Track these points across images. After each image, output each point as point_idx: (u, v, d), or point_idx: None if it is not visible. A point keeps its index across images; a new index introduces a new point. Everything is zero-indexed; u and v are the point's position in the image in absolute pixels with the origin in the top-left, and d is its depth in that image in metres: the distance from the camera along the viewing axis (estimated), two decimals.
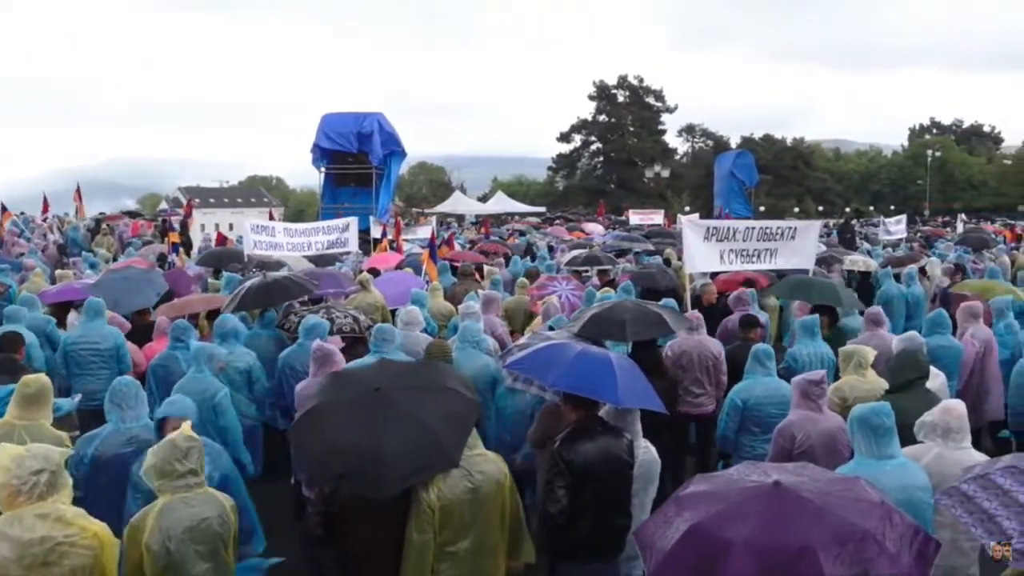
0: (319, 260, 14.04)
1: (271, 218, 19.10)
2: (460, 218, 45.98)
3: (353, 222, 14.83)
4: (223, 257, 14.42)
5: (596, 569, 4.37)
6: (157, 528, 3.60)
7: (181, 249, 17.17)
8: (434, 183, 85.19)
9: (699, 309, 9.08)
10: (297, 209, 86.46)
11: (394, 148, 25.22)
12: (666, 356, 7.33)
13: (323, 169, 25.41)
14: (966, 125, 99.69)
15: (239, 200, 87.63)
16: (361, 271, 12.13)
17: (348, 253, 15.10)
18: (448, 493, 3.92)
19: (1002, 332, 8.11)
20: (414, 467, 3.88)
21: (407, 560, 3.91)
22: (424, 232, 21.09)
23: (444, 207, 48.13)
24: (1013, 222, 43.73)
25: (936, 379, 6.34)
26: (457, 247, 18.82)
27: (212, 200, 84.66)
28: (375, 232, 19.21)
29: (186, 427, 3.93)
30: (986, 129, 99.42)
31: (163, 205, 68.88)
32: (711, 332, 8.02)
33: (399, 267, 13.50)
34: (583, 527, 4.24)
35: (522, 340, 6.39)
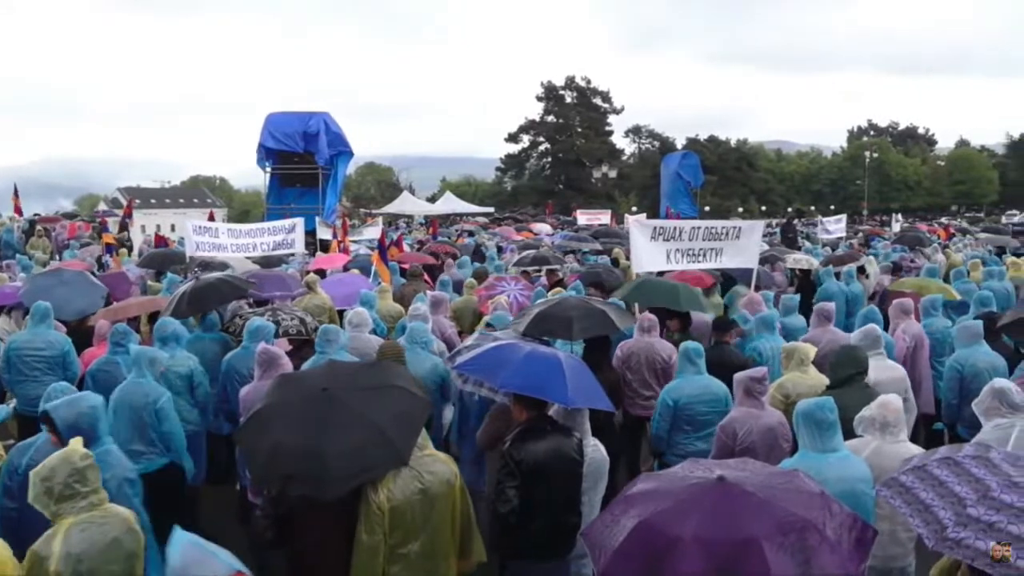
0: (265, 262, 13.83)
1: (211, 219, 18.74)
2: (408, 219, 45.73)
3: (299, 223, 14.64)
4: (165, 259, 14.12)
5: (547, 567, 4.38)
6: (65, 555, 3.36)
7: (116, 251, 16.74)
8: (382, 183, 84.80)
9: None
10: (242, 210, 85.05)
11: (341, 148, 24.96)
12: (615, 356, 7.37)
13: (268, 169, 25.04)
14: (902, 127, 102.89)
15: (181, 201, 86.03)
16: (307, 272, 11.99)
17: (294, 255, 14.90)
18: (398, 494, 3.90)
19: (932, 328, 8.36)
20: (360, 467, 3.84)
21: (357, 562, 3.87)
22: (371, 233, 20.92)
23: (392, 207, 47.84)
24: (948, 221, 45.25)
25: (896, 371, 6.51)
26: (406, 248, 18.72)
27: (153, 201, 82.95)
28: (323, 234, 19.01)
29: (77, 443, 3.71)
30: (920, 131, 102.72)
31: (101, 206, 67.10)
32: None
33: (346, 268, 13.37)
34: (534, 526, 4.25)
35: (469, 341, 6.36)
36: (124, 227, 22.89)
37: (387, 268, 12.53)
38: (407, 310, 8.65)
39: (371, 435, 3.90)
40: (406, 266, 13.21)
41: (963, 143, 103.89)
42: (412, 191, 68.75)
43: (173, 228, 49.73)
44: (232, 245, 13.32)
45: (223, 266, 12.16)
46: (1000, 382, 4.92)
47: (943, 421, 7.32)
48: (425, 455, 4.08)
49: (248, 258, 13.67)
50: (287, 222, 14.58)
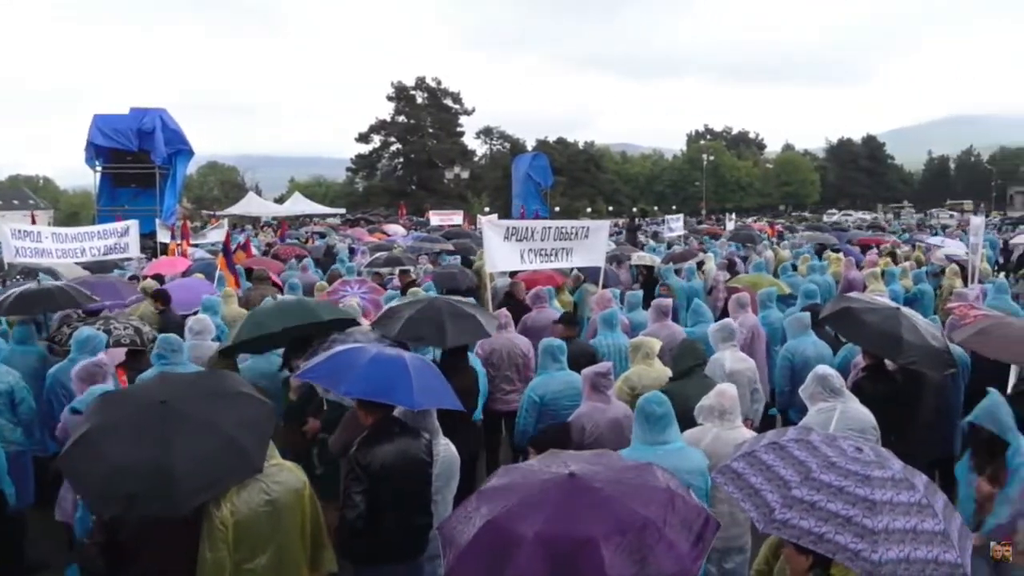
0: (96, 267, 12.93)
1: (33, 222, 17.35)
2: (255, 220, 44.10)
3: (134, 225, 13.80)
4: None
5: (399, 570, 4.33)
6: None
7: None
8: (226, 184, 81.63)
9: (511, 306, 9.21)
10: (69, 212, 79.19)
11: (180, 146, 23.76)
12: (476, 354, 7.40)
13: (99, 168, 23.44)
14: (735, 132, 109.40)
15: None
16: (144, 278, 11.31)
17: (129, 259, 14.02)
18: (243, 507, 3.73)
19: (769, 320, 8.93)
20: (213, 478, 3.65)
21: None
22: (215, 236, 20.04)
23: (237, 209, 46.01)
24: (775, 220, 48.48)
25: (747, 362, 6.87)
26: (254, 251, 18.01)
27: None
28: (163, 237, 18.05)
29: None
30: (752, 135, 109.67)
31: None
32: None
33: (186, 273, 12.71)
34: (383, 529, 4.20)
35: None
36: None
37: (233, 272, 12.04)
38: None
39: (221, 444, 3.71)
40: (252, 269, 12.73)
41: (788, 147, 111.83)
42: (259, 192, 66.46)
43: None
44: (57, 250, 12.36)
45: (50, 273, 11.31)
46: (822, 369, 5.29)
47: (776, 407, 7.83)
48: (271, 465, 3.92)
49: (78, 264, 12.76)
50: (120, 225, 13.70)
